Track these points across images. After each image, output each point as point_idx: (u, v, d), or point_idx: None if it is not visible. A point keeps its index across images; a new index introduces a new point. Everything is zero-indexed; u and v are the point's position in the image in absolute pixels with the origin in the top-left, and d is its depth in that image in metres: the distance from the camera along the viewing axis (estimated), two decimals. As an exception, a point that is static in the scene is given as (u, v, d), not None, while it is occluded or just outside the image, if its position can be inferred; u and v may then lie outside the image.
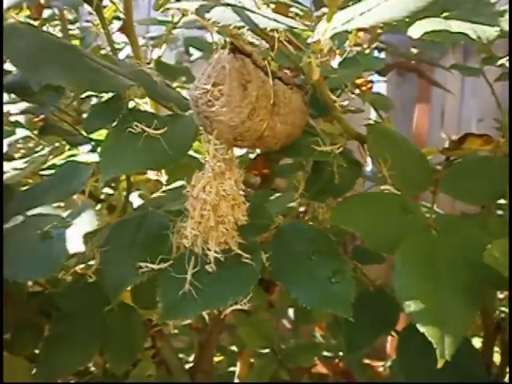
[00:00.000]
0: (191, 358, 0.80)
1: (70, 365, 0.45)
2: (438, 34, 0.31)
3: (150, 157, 0.33)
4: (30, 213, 0.34)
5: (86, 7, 0.87)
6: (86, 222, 0.32)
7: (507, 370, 0.52)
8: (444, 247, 0.36)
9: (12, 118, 0.66)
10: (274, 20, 0.28)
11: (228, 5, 0.28)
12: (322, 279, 0.35)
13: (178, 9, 0.57)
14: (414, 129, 1.09)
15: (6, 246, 0.31)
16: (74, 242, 0.30)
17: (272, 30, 0.32)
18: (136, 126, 0.34)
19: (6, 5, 0.26)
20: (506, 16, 0.43)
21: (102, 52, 0.79)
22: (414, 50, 0.77)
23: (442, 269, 0.34)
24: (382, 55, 0.78)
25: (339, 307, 0.33)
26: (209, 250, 0.34)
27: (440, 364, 0.30)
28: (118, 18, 0.63)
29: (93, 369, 0.59)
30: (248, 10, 0.28)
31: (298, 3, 0.59)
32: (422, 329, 0.31)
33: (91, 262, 0.41)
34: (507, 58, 0.59)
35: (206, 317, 0.36)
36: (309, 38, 0.33)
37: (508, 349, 0.52)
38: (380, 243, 0.37)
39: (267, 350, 0.64)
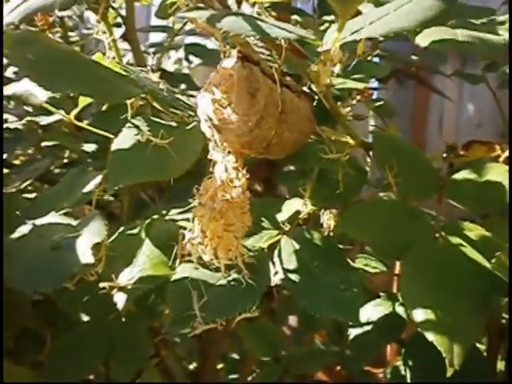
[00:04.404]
0: (191, 366, 0.80)
1: (76, 373, 0.45)
2: (446, 42, 0.31)
3: (159, 166, 0.33)
4: (38, 222, 0.34)
5: (86, 14, 0.87)
6: (95, 232, 0.32)
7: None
8: (451, 254, 0.36)
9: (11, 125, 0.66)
10: (284, 29, 0.28)
11: (238, 14, 0.28)
12: (330, 286, 0.35)
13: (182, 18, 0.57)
14: (412, 135, 1.10)
15: (15, 255, 0.31)
16: (84, 253, 0.30)
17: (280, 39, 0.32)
18: (142, 134, 0.34)
19: (20, 15, 0.26)
20: (507, 25, 0.43)
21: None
22: (414, 57, 0.78)
23: (449, 276, 0.34)
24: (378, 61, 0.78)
25: (348, 314, 0.33)
26: (217, 258, 0.33)
27: (449, 373, 0.30)
28: (118, 26, 0.63)
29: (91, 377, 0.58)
30: (258, 19, 0.28)
31: (300, 11, 0.59)
32: (430, 338, 0.31)
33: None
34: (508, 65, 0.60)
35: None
36: (314, 45, 0.33)
37: (508, 349, 0.52)
38: (387, 250, 0.37)
39: (270, 358, 0.63)
